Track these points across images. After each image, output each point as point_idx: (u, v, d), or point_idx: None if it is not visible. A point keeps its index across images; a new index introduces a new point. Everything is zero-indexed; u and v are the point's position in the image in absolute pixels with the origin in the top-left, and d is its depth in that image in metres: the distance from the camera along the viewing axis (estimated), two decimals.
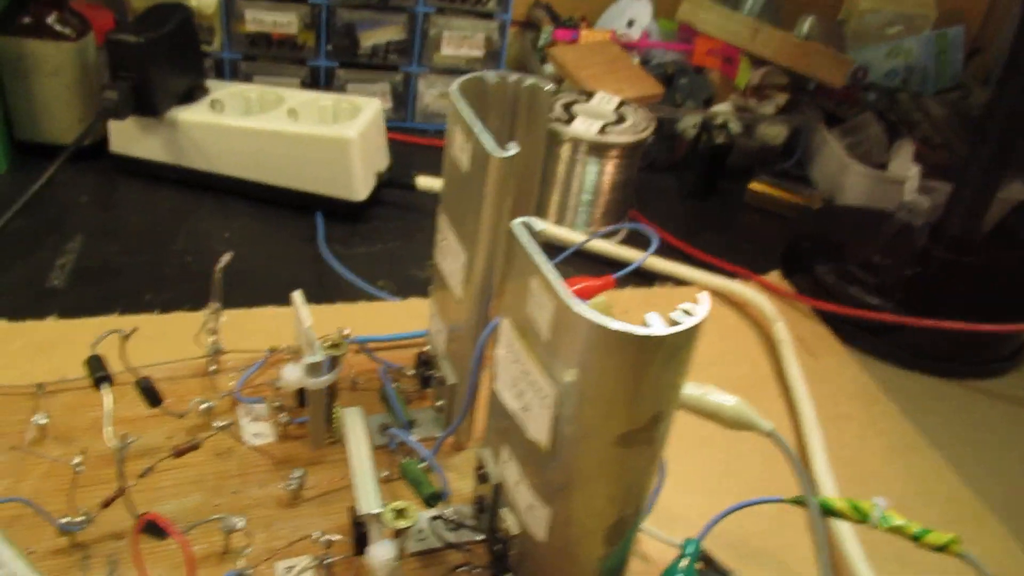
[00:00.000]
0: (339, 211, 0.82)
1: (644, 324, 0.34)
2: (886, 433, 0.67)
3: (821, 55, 0.97)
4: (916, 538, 0.44)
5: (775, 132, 1.00)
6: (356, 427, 0.42)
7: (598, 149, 0.80)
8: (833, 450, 0.62)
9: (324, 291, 0.73)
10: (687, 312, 0.35)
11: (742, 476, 0.61)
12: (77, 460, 0.45)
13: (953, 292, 0.79)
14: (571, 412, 0.36)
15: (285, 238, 0.79)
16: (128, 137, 0.82)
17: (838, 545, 0.53)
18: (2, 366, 0.58)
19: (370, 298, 0.73)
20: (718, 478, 0.61)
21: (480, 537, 0.47)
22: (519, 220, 0.39)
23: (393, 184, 0.85)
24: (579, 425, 0.37)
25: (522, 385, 0.40)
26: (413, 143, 0.99)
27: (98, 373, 0.42)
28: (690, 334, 0.34)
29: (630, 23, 1.09)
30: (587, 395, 0.36)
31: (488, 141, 0.41)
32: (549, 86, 0.47)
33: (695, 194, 0.97)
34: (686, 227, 0.91)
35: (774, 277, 0.84)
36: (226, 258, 0.51)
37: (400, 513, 0.38)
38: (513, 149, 0.40)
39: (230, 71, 0.94)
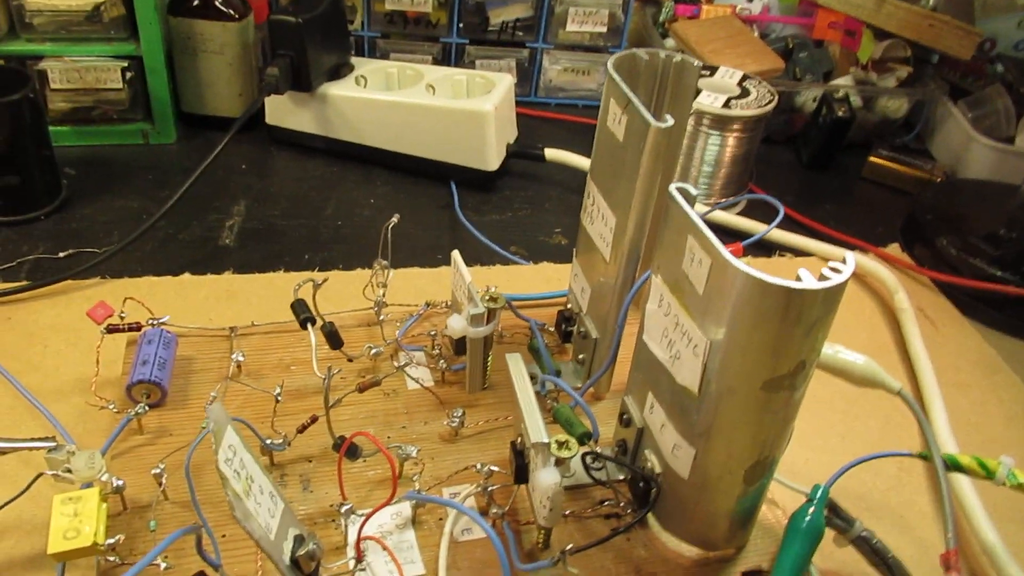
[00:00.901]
0: (472, 180, 0.87)
1: (797, 279, 0.37)
2: (1007, 402, 0.68)
3: (948, 27, 0.97)
4: None
5: (896, 105, 1.00)
6: (519, 369, 0.47)
7: (721, 122, 0.83)
8: (953, 415, 0.64)
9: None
10: (835, 270, 0.38)
11: (861, 437, 0.64)
12: (277, 390, 0.52)
13: None
14: (721, 360, 0.41)
15: (423, 205, 0.85)
16: (282, 111, 0.89)
17: (960, 501, 0.56)
18: (193, 312, 0.66)
19: (504, 261, 0.78)
20: (838, 438, 0.64)
21: (622, 477, 0.52)
22: (676, 185, 0.43)
23: (522, 155, 0.90)
24: (728, 372, 0.41)
25: (672, 336, 0.44)
26: (537, 116, 1.03)
27: (303, 315, 0.49)
28: (838, 289, 0.38)
29: None
30: (738, 344, 0.40)
31: (647, 113, 0.45)
32: (697, 63, 0.50)
33: (813, 166, 0.99)
34: (804, 199, 0.93)
35: (893, 249, 0.85)
36: (394, 219, 0.57)
37: (562, 445, 0.43)
38: (670, 121, 0.44)
39: (369, 49, 1.00)
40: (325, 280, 0.51)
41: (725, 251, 0.39)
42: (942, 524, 0.57)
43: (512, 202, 0.88)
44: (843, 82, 1.00)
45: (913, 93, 1.01)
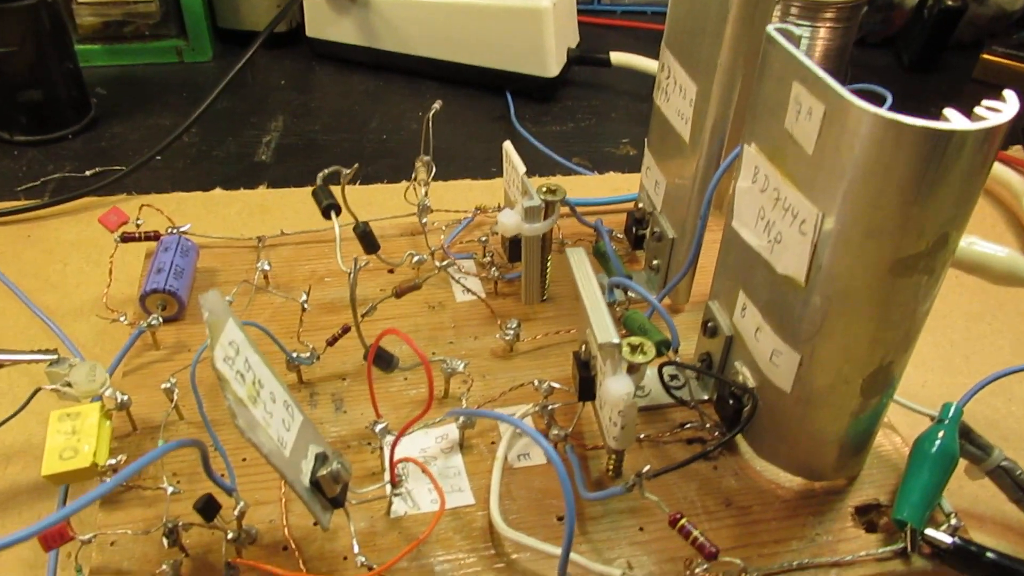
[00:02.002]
0: (529, 89, 0.79)
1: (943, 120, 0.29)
2: None
3: None
4: None
5: None
6: (583, 264, 0.39)
7: (812, 9, 0.73)
8: None
9: None
10: (993, 109, 0.29)
11: (989, 357, 0.54)
12: (304, 297, 0.45)
13: None
14: (836, 237, 0.32)
15: (476, 117, 0.78)
16: (323, 21, 0.82)
17: None
18: (221, 228, 0.60)
19: (566, 172, 0.70)
20: (962, 358, 0.54)
21: (706, 397, 0.44)
22: (774, 26, 0.34)
23: (585, 61, 0.81)
24: (847, 252, 0.32)
25: (771, 215, 0.36)
26: (602, 24, 0.94)
27: (327, 201, 0.42)
28: (995, 133, 0.29)
29: None
30: (861, 214, 0.31)
31: None
32: None
33: (916, 68, 0.87)
34: (907, 105, 0.81)
35: (1016, 151, 0.74)
36: (437, 104, 0.50)
37: (636, 348, 0.36)
38: None
39: None
40: (356, 167, 0.44)
41: (844, 90, 0.30)
42: None
43: (574, 112, 0.79)
44: None
45: None
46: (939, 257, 0.32)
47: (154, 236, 0.50)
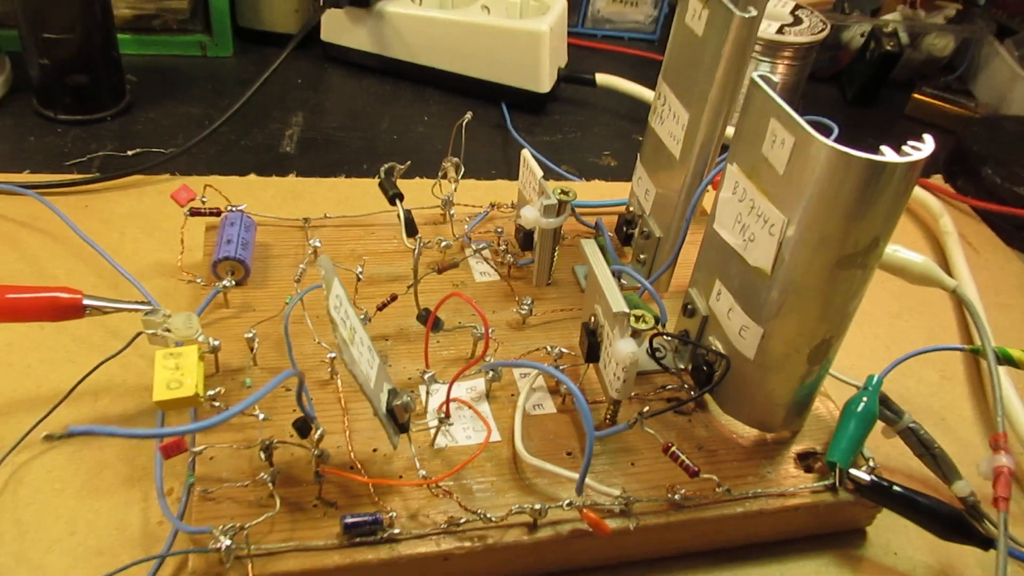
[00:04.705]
0: (523, 102, 0.89)
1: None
2: None
3: None
4: None
5: (942, 44, 1.01)
6: (596, 252, 0.49)
7: (773, 48, 0.84)
8: (994, 332, 0.66)
9: (514, 170, 0.81)
10: (915, 147, 0.40)
11: (907, 346, 0.66)
12: (359, 269, 0.54)
13: None
14: (797, 237, 0.43)
15: (475, 124, 0.86)
16: (338, 27, 0.90)
17: (1004, 404, 0.58)
18: (262, 209, 0.68)
19: (557, 178, 0.80)
20: (884, 348, 0.66)
21: (683, 366, 0.54)
22: (758, 73, 0.44)
23: (573, 80, 0.91)
24: (803, 249, 0.43)
25: (746, 220, 0.46)
26: (585, 46, 1.04)
27: (392, 191, 0.51)
28: (917, 165, 0.40)
29: None
30: (816, 220, 0.42)
31: (731, 4, 0.46)
32: None
33: (858, 103, 1.00)
34: (847, 135, 0.94)
35: (936, 180, 0.86)
36: (468, 115, 0.59)
37: (640, 318, 0.46)
38: (753, 11, 0.46)
39: None
40: (408, 164, 0.53)
41: (810, 128, 0.40)
42: (982, 427, 0.60)
43: (562, 125, 0.89)
44: (891, 18, 1.01)
45: (960, 31, 1.01)
46: (872, 255, 0.43)
47: (217, 212, 0.58)
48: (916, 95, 0.98)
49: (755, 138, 0.44)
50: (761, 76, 0.44)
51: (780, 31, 0.83)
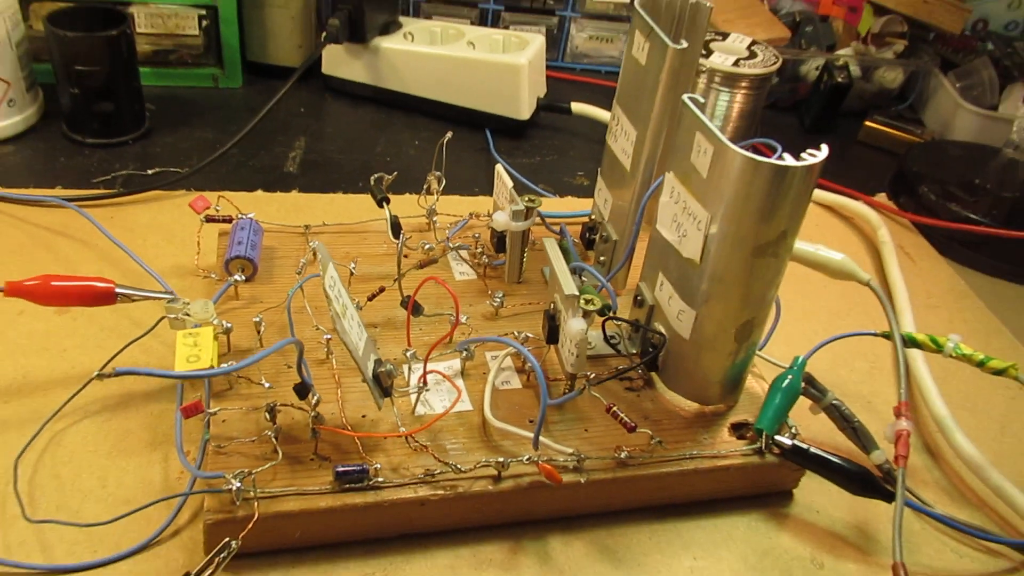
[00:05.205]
0: (505, 128, 0.98)
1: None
2: (971, 321, 0.78)
3: (941, 4, 1.06)
4: (981, 364, 0.57)
5: (892, 76, 1.10)
6: (555, 248, 0.57)
7: (730, 80, 0.93)
8: (920, 329, 0.74)
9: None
10: (812, 155, 0.48)
11: (829, 335, 0.74)
12: (352, 264, 0.62)
13: None
14: (719, 231, 0.51)
15: (461, 148, 0.96)
16: (338, 61, 0.99)
17: (917, 384, 0.66)
18: (267, 219, 0.76)
19: (535, 194, 0.88)
20: (816, 336, 0.73)
21: (634, 350, 0.62)
22: (687, 96, 0.53)
23: (551, 108, 1.00)
24: (724, 241, 0.51)
25: (680, 219, 0.54)
26: (563, 79, 1.14)
27: (380, 195, 0.59)
28: (815, 167, 0.48)
29: None
30: (733, 215, 0.50)
31: (666, 38, 0.55)
32: (709, 4, 0.60)
33: (814, 130, 1.09)
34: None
35: (880, 198, 0.95)
36: (448, 135, 0.67)
37: (589, 301, 0.54)
38: (684, 44, 0.55)
39: (413, 10, 1.11)
40: (396, 175, 0.61)
41: (725, 139, 0.49)
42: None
43: (540, 149, 0.98)
44: (844, 52, 1.10)
45: (908, 65, 1.10)
46: (782, 246, 0.51)
47: (229, 219, 0.66)
48: (868, 123, 1.07)
49: (686, 149, 0.53)
50: (690, 98, 0.53)
51: (736, 63, 0.92)
